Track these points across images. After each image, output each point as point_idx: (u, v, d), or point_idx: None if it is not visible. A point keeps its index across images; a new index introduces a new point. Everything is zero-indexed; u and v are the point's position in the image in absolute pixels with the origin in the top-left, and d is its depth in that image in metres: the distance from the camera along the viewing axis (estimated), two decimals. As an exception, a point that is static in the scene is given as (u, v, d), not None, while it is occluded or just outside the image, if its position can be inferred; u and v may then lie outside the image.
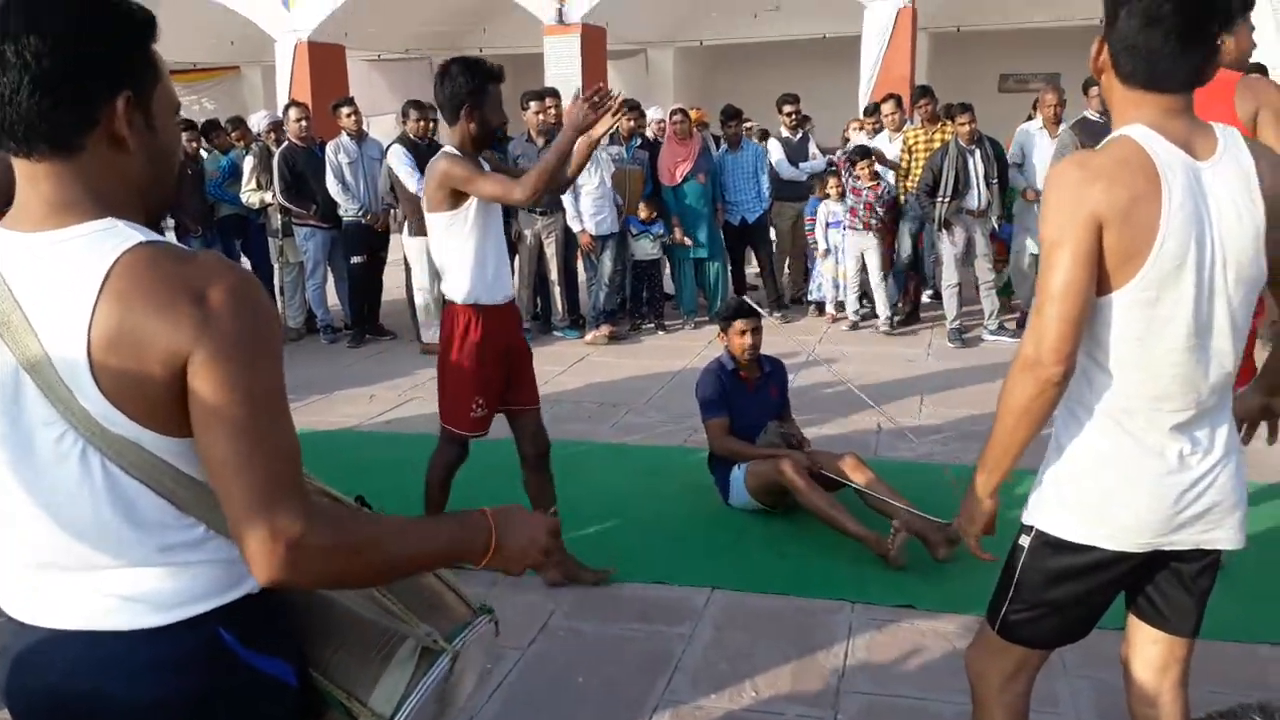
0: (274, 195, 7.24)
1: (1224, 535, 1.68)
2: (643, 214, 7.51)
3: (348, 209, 7.14)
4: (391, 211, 7.31)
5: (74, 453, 1.08)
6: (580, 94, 3.05)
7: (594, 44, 12.98)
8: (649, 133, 8.22)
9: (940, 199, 6.80)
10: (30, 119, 1.07)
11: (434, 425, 5.35)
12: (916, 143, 7.45)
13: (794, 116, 8.13)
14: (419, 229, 6.93)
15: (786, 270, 8.46)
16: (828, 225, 7.61)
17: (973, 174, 6.83)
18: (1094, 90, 6.59)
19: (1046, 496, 1.74)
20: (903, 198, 7.45)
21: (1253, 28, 3.15)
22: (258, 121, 8.42)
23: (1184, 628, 1.79)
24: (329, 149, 7.11)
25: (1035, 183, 6.86)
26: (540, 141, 6.90)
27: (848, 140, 9.00)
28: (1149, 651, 1.82)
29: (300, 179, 7.14)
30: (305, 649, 1.30)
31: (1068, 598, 1.74)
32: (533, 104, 7.06)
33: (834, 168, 7.95)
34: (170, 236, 7.42)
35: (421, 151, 6.93)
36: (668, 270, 8.09)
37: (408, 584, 1.37)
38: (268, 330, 1.11)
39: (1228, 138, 1.59)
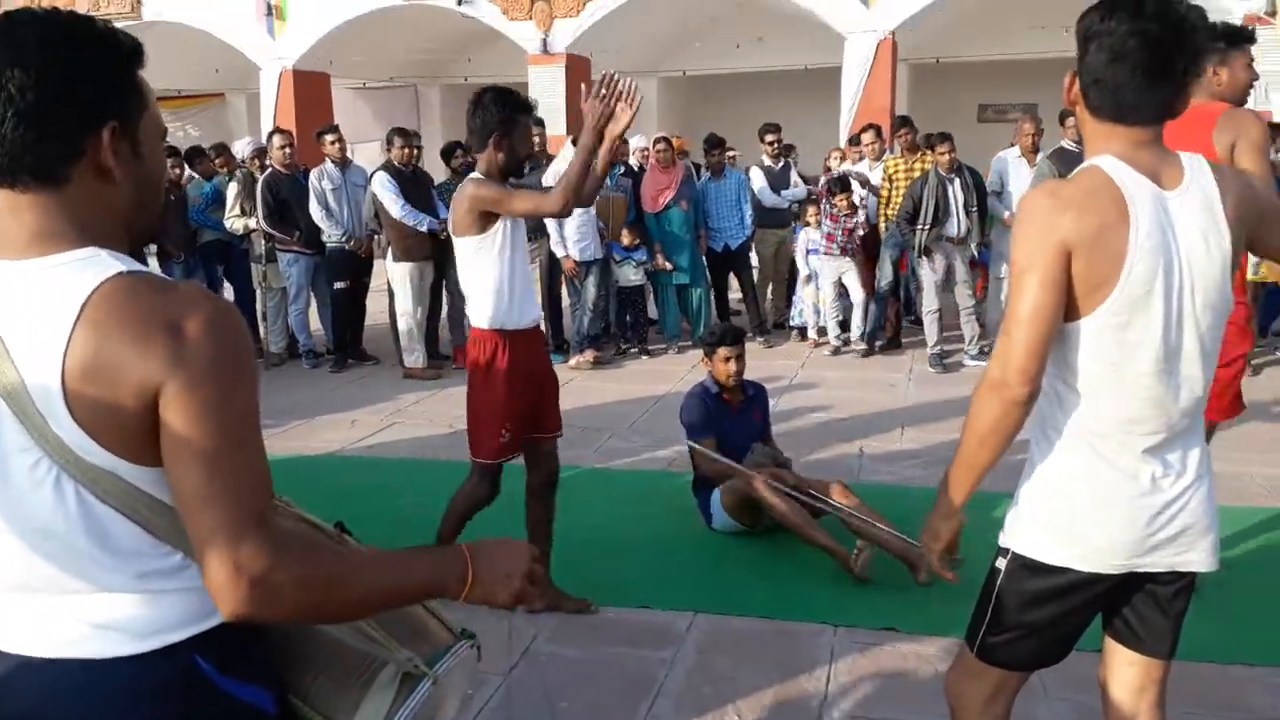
0: (257, 221, 7.25)
1: (1197, 558, 1.71)
2: (625, 240, 7.56)
3: (331, 235, 7.15)
4: (375, 237, 7.33)
5: (48, 480, 1.08)
6: (587, 94, 2.96)
7: (578, 74, 13.07)
8: (632, 160, 8.31)
9: (920, 226, 6.89)
10: (14, 151, 1.07)
11: (415, 450, 5.38)
12: (897, 171, 7.55)
13: (775, 145, 8.27)
14: (403, 254, 6.97)
15: (769, 295, 8.54)
16: (808, 252, 7.71)
17: (952, 202, 6.92)
18: (1070, 120, 6.71)
19: (1021, 517, 1.76)
20: (884, 225, 7.55)
21: (1251, 60, 3.13)
22: (242, 148, 8.43)
23: (1160, 649, 1.81)
24: (313, 176, 7.13)
25: (1014, 208, 6.96)
26: (526, 167, 6.92)
27: (829, 169, 9.12)
28: (1126, 673, 1.84)
29: (284, 205, 7.15)
30: (285, 675, 1.28)
31: (1045, 619, 1.75)
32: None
33: (814, 197, 8.07)
34: (153, 262, 7.43)
35: (405, 178, 6.98)
36: (651, 295, 8.15)
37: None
38: (241, 363, 1.10)
39: (1194, 167, 1.63)
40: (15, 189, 1.10)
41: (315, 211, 7.07)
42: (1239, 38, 3.14)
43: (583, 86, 3.09)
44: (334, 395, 6.70)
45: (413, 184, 7.02)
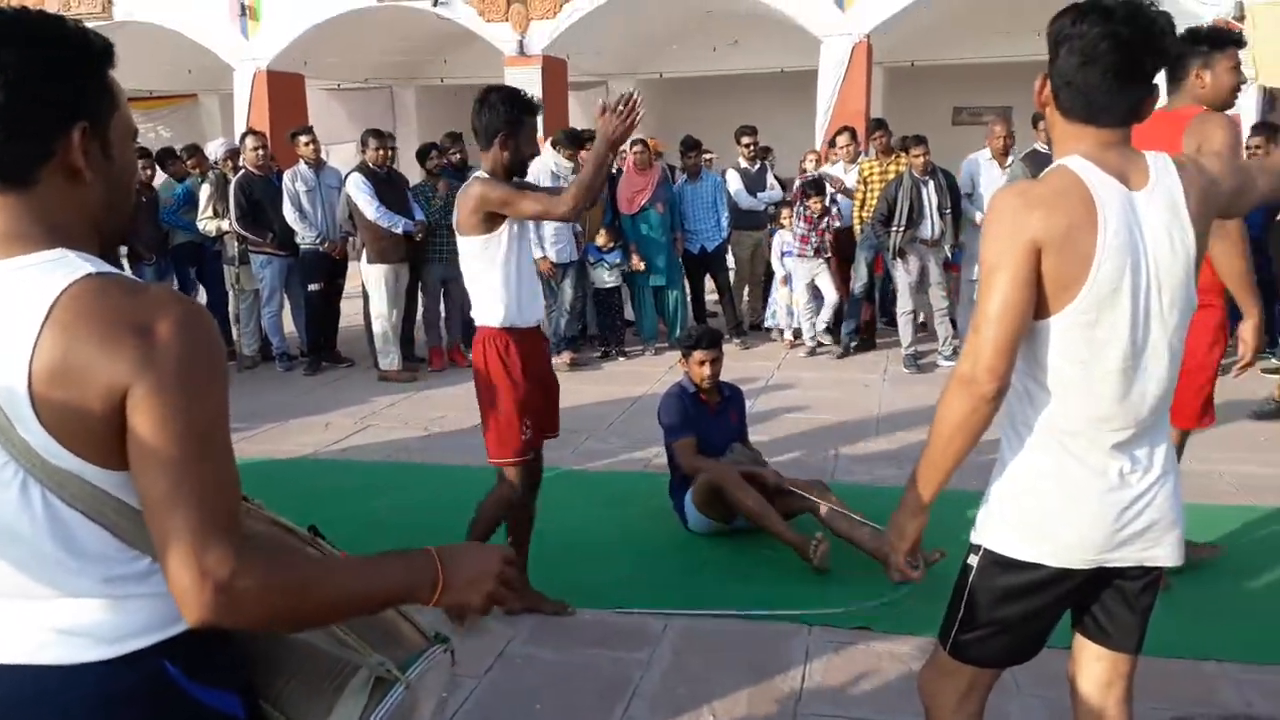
0: (230, 223, 7.18)
1: (1163, 553, 1.73)
2: (600, 241, 7.57)
3: (305, 237, 7.10)
4: (350, 239, 7.29)
5: (14, 483, 1.06)
6: (605, 106, 3.00)
7: (555, 76, 13.05)
8: (609, 162, 8.30)
9: (895, 228, 6.94)
10: None
11: (390, 453, 5.35)
12: (871, 174, 7.60)
13: (752, 148, 8.30)
14: (377, 256, 6.93)
15: (745, 297, 8.57)
16: (783, 254, 7.75)
17: (926, 204, 6.98)
18: (1043, 123, 6.75)
19: (992, 515, 1.78)
20: (859, 228, 7.60)
21: (1236, 64, 3.09)
22: (214, 149, 8.36)
23: (1127, 644, 1.83)
24: (286, 177, 7.09)
25: (985, 210, 7.02)
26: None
27: (805, 171, 9.17)
28: (1093, 668, 1.86)
29: (257, 207, 7.10)
30: (255, 680, 1.27)
31: (1016, 616, 1.77)
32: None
33: (789, 199, 8.11)
34: (124, 264, 7.34)
35: (380, 180, 6.94)
36: (628, 297, 8.15)
37: None
38: (211, 366, 1.09)
39: (1159, 166, 1.66)
40: None
41: (289, 213, 7.01)
42: (1223, 40, 3.09)
43: (599, 102, 3.22)
44: (308, 398, 6.65)
45: (388, 186, 6.98)
